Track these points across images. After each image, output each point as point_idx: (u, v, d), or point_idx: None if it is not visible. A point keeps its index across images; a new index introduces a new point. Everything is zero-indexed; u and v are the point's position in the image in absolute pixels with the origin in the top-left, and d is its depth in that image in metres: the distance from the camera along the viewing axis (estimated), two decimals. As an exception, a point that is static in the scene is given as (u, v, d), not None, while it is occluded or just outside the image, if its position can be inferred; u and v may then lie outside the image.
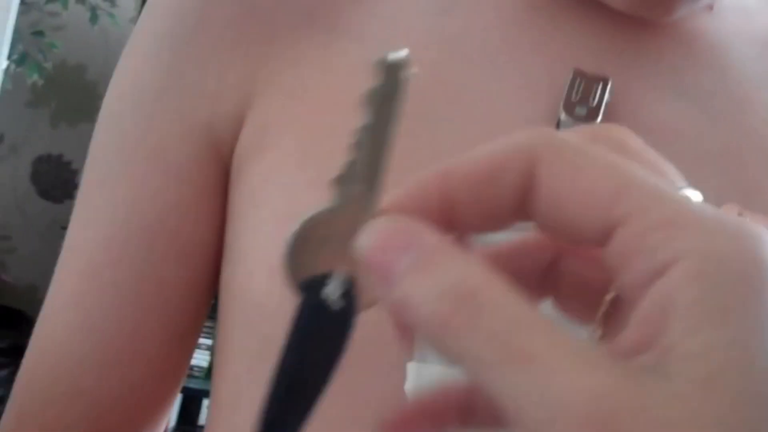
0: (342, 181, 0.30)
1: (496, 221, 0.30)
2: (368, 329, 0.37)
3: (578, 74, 0.54)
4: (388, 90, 0.30)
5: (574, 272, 0.32)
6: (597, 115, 0.53)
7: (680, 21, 0.58)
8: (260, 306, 0.53)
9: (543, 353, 0.25)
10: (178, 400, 2.27)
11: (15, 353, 3.55)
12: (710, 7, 0.60)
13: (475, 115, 0.53)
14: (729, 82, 0.58)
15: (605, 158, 0.28)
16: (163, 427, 0.62)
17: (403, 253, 0.27)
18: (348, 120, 0.32)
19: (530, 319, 0.26)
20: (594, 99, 0.53)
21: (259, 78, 0.56)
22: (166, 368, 0.59)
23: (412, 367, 0.48)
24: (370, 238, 0.28)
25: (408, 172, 0.31)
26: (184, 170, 0.56)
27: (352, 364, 0.35)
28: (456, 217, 0.30)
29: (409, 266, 0.27)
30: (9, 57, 2.35)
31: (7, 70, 2.64)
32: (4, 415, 0.59)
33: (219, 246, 0.58)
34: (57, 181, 3.02)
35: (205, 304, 0.59)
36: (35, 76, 2.88)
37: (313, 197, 0.46)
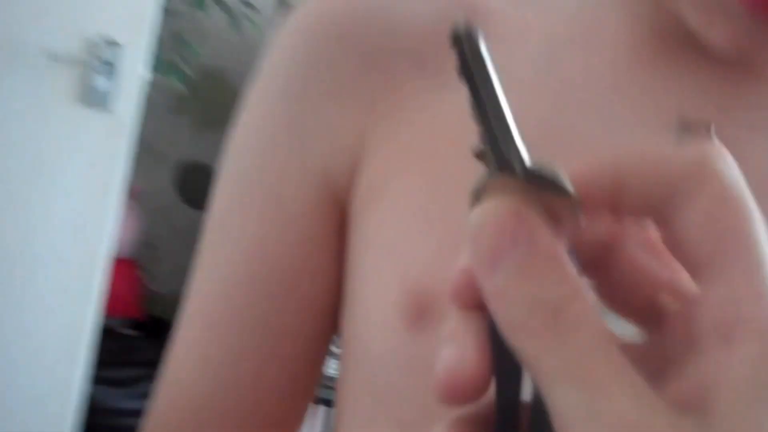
0: (484, 154, 0.31)
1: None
2: None
3: (683, 122, 0.54)
4: (473, 57, 0.31)
5: (630, 265, 0.32)
6: None
7: None
8: (376, 354, 0.54)
9: (608, 381, 0.26)
10: None
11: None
12: None
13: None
14: None
15: (747, 206, 0.28)
16: None
17: (511, 246, 0.28)
18: (459, 167, 0.36)
19: (606, 345, 0.27)
20: None
21: (375, 126, 0.57)
22: (285, 415, 0.61)
23: None
24: (487, 216, 0.28)
25: None
26: (302, 216, 0.58)
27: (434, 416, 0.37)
28: (618, 202, 0.30)
29: (513, 263, 0.27)
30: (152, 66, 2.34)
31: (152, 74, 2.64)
32: None
33: (338, 292, 0.58)
34: (201, 188, 3.02)
35: (323, 351, 0.61)
36: (178, 84, 2.88)
37: (428, 245, 0.51)
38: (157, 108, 2.92)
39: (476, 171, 0.35)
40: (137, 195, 2.74)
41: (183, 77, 2.89)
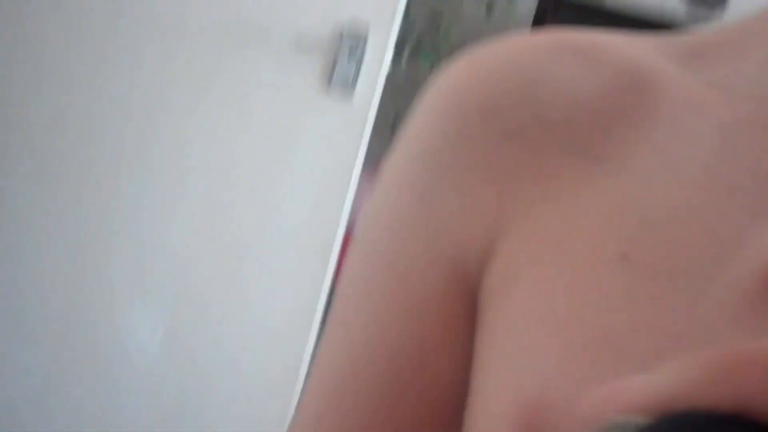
0: None
1: None
2: None
3: None
4: None
5: None
6: None
7: None
8: None
9: None
10: None
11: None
12: None
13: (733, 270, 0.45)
14: None
15: None
16: None
17: None
18: (601, 267, 0.35)
19: None
20: None
21: (512, 211, 0.52)
22: None
23: None
24: None
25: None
26: (429, 299, 0.54)
27: None
28: None
29: None
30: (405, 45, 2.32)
31: (400, 59, 2.63)
32: None
33: (464, 386, 0.54)
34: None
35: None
36: (428, 67, 2.87)
37: (551, 355, 0.46)
38: (409, 91, 2.92)
39: (618, 275, 0.35)
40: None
41: (434, 60, 2.87)
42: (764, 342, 0.27)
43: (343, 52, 2.12)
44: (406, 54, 2.77)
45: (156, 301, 2.31)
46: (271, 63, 2.14)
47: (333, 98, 2.15)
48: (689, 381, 0.27)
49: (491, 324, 0.52)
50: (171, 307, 2.30)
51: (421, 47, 2.83)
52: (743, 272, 0.44)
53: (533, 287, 0.50)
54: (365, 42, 2.12)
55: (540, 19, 3.02)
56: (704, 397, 0.27)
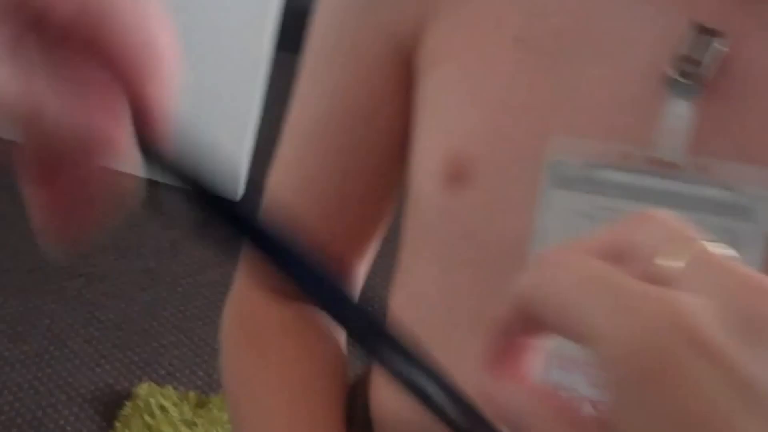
0: None
1: None
2: (491, 236, 0.61)
3: (694, 27, 0.57)
4: None
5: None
6: (704, 72, 0.56)
7: None
8: (423, 201, 0.65)
9: None
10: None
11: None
12: None
13: (597, 57, 0.59)
14: None
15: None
16: (369, 257, 0.78)
17: None
18: (503, 54, 0.59)
19: None
20: (704, 54, 0.56)
21: (436, 3, 0.64)
22: (368, 214, 0.75)
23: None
24: None
25: (539, 102, 0.58)
26: (376, 68, 0.68)
27: (476, 264, 0.63)
28: None
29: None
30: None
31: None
32: None
33: (403, 141, 0.69)
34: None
35: (395, 175, 0.72)
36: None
37: (471, 116, 0.61)
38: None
39: (515, 54, 0.59)
40: None
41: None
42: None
43: None
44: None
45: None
46: None
47: None
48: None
49: (423, 92, 0.66)
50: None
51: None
52: (624, 54, 0.58)
53: (455, 62, 0.63)
54: None
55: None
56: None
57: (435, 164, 0.63)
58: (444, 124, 0.64)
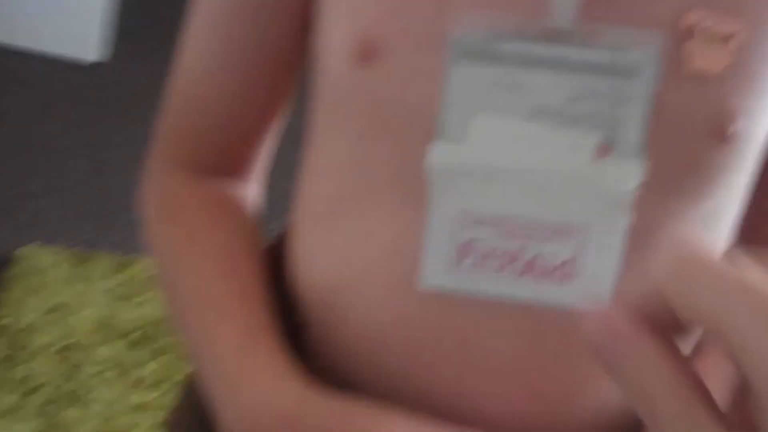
0: None
1: None
2: (400, 108, 0.65)
3: None
4: None
5: None
6: None
7: None
8: (332, 78, 0.69)
9: None
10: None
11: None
12: None
13: None
14: None
15: None
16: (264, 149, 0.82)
17: None
18: None
19: None
20: None
21: None
22: (269, 98, 0.78)
23: (433, 145, 0.64)
24: None
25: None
26: None
27: (385, 135, 0.67)
28: None
29: None
30: None
31: None
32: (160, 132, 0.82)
33: (309, 9, 0.72)
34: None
35: (295, 60, 0.76)
36: None
37: (376, 1, 0.65)
38: None
39: None
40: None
41: None
42: None
43: None
44: None
45: None
46: None
47: None
48: None
49: None
50: None
51: None
52: None
53: None
54: None
55: None
56: None
57: (344, 44, 0.66)
58: (350, 5, 0.66)
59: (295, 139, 0.86)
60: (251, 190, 0.83)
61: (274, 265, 0.79)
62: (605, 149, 0.63)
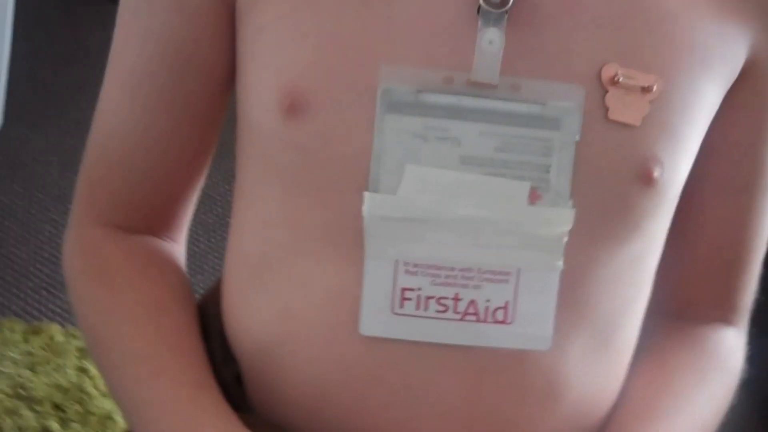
0: None
1: None
2: (332, 161, 0.66)
3: None
4: None
5: None
6: (508, 1, 0.64)
7: None
8: (262, 131, 0.69)
9: None
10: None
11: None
12: None
13: None
14: None
15: None
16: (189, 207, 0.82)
17: None
18: None
19: None
20: None
21: None
22: (193, 153, 0.78)
23: (367, 196, 0.66)
24: None
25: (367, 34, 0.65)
26: (197, 10, 0.71)
27: (318, 187, 0.68)
28: None
29: None
30: None
31: None
32: (79, 181, 0.80)
33: (230, 77, 0.74)
34: None
35: (220, 110, 0.77)
36: None
37: (303, 51, 0.66)
38: None
39: None
40: None
41: None
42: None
43: None
44: None
45: None
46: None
47: None
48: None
49: (249, 28, 0.69)
50: None
51: None
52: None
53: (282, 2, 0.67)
54: None
55: None
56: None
57: (272, 98, 0.67)
58: (276, 59, 0.67)
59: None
60: (177, 247, 0.82)
61: (204, 320, 0.78)
62: (535, 196, 0.66)
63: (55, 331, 2.03)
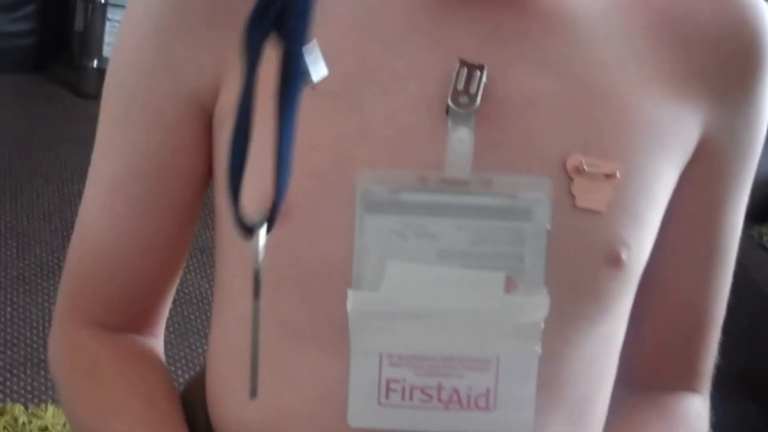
0: None
1: None
2: (316, 261, 0.68)
3: (462, 64, 0.68)
4: None
5: None
6: (476, 101, 0.67)
7: None
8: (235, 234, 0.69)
9: None
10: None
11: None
12: None
13: (385, 95, 0.69)
14: (578, 45, 0.71)
15: None
16: (168, 302, 0.84)
17: None
18: (305, 102, 0.55)
19: None
20: (474, 86, 0.68)
21: (229, 58, 0.70)
22: (172, 253, 0.80)
23: (351, 294, 0.68)
24: None
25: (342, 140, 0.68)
26: (177, 123, 0.74)
27: (304, 287, 0.69)
28: None
29: None
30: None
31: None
32: (60, 289, 0.82)
33: (208, 175, 0.76)
34: None
35: (197, 212, 0.79)
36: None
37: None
38: None
39: (314, 101, 0.57)
40: None
41: None
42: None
43: None
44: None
45: None
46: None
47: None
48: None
49: (221, 140, 0.72)
50: None
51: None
52: (400, 96, 0.68)
53: (256, 110, 0.66)
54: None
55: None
56: None
57: (251, 203, 0.69)
58: (254, 169, 0.69)
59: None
60: (158, 342, 0.84)
61: (188, 411, 0.79)
62: (511, 285, 0.68)
63: (19, 411, 2.02)
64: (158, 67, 0.73)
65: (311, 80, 0.51)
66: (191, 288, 2.41)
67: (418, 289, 0.68)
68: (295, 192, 0.68)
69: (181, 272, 0.83)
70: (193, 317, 2.33)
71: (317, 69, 0.53)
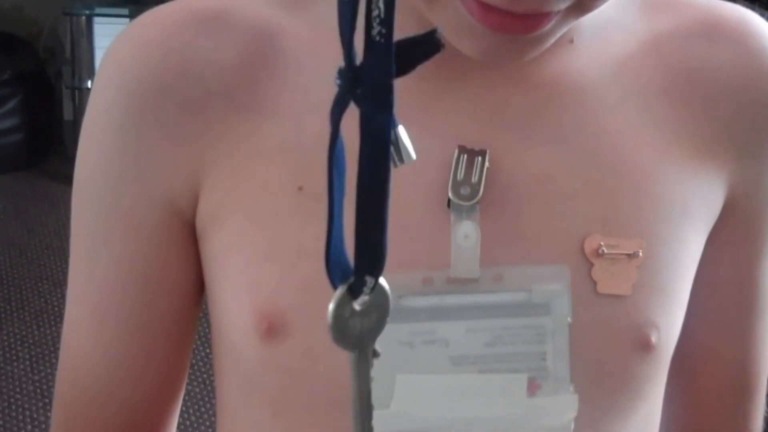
0: None
1: None
2: (319, 379, 0.63)
3: (461, 151, 0.63)
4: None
5: None
6: (478, 191, 0.62)
7: (543, 63, 0.65)
8: (240, 353, 0.67)
9: None
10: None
11: (18, 82, 3.49)
12: (570, 40, 0.66)
13: None
14: (587, 115, 0.65)
15: None
16: (176, 417, 0.79)
17: None
18: (286, 196, 0.61)
19: None
20: (476, 174, 0.62)
21: (206, 162, 0.66)
22: (171, 372, 0.74)
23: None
24: None
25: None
26: (157, 234, 0.69)
27: (308, 406, 0.65)
28: None
29: None
30: None
31: None
32: (53, 417, 0.77)
33: (201, 283, 0.71)
34: None
35: (194, 322, 0.74)
36: None
37: (272, 272, 0.63)
38: None
39: (298, 203, 0.59)
40: None
41: None
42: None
43: None
44: None
45: None
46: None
47: None
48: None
49: (212, 249, 0.68)
50: None
51: None
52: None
53: (242, 217, 0.65)
54: None
55: None
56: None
57: (245, 321, 0.64)
58: (245, 281, 0.65)
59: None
60: None
61: None
62: (534, 387, 0.63)
63: None
64: (127, 176, 0.68)
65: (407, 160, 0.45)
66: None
67: (433, 402, 0.62)
68: (287, 305, 0.64)
69: (183, 388, 0.78)
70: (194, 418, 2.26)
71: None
